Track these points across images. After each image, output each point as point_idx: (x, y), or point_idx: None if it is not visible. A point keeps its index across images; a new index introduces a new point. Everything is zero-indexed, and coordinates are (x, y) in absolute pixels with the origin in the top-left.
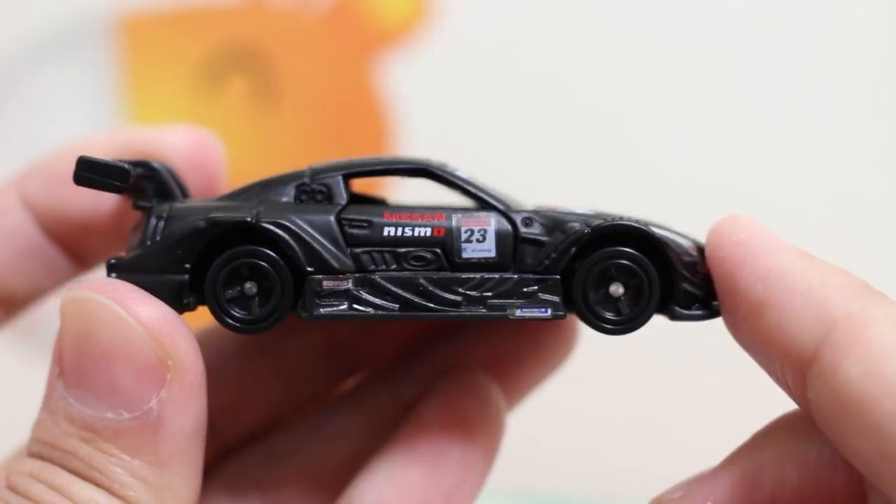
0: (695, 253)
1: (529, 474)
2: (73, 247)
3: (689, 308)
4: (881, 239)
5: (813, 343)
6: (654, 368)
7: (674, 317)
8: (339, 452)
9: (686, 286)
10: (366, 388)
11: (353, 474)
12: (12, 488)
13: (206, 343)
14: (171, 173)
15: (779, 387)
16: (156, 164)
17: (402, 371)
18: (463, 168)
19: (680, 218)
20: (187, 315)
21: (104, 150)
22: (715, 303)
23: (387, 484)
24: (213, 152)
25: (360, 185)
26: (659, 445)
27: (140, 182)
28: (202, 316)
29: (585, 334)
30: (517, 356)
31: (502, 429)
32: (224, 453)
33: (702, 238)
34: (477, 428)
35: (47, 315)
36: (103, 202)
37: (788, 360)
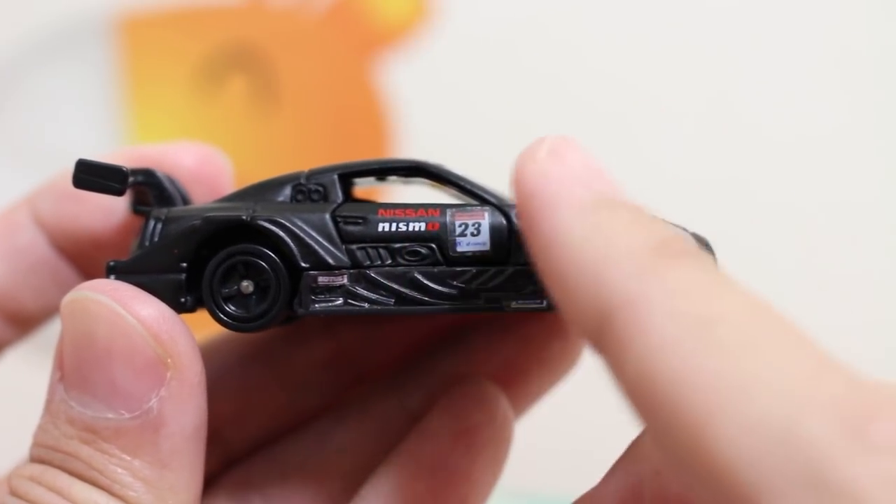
0: (692, 241)
1: (529, 474)
2: (84, 263)
3: None
4: (881, 238)
5: (595, 334)
6: None
7: None
8: (345, 462)
9: None
10: (372, 397)
11: (360, 484)
12: (13, 492)
13: (209, 352)
14: (173, 181)
15: None
16: (156, 172)
17: (409, 380)
18: (459, 168)
19: (680, 218)
20: (193, 320)
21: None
22: None
23: (392, 495)
24: (219, 167)
25: (362, 195)
26: None
27: (142, 189)
28: (206, 326)
29: None
30: (524, 365)
31: (509, 440)
32: (229, 462)
33: (702, 232)
34: (484, 438)
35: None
36: (114, 218)
37: (588, 344)
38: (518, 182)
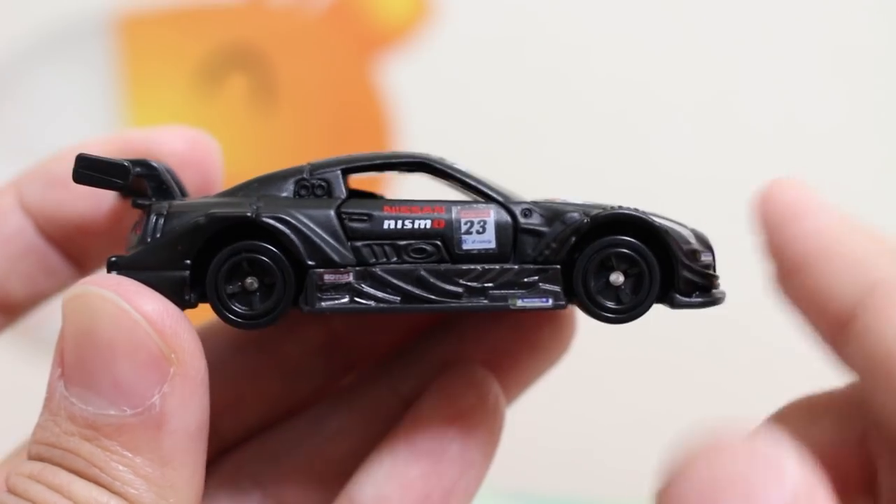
0: (694, 241)
1: (529, 474)
2: (72, 249)
3: (689, 296)
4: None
5: (851, 303)
6: (653, 368)
7: (674, 305)
8: (339, 448)
9: (686, 274)
10: (364, 383)
11: (353, 470)
12: (11, 490)
13: (204, 341)
14: (170, 172)
15: (820, 347)
16: (155, 163)
17: (401, 366)
18: (461, 162)
19: (680, 215)
20: (187, 312)
21: (101, 151)
22: (715, 290)
23: (387, 480)
24: (208, 151)
25: (360, 184)
26: (658, 445)
27: (139, 181)
28: (199, 314)
29: (584, 335)
30: (515, 351)
31: (501, 423)
32: (224, 451)
33: (701, 229)
34: (476, 422)
35: (47, 316)
36: (101, 204)
37: (827, 319)
38: (773, 195)
